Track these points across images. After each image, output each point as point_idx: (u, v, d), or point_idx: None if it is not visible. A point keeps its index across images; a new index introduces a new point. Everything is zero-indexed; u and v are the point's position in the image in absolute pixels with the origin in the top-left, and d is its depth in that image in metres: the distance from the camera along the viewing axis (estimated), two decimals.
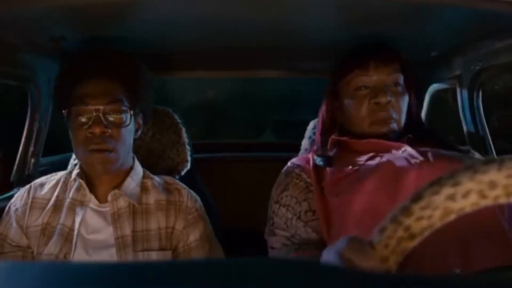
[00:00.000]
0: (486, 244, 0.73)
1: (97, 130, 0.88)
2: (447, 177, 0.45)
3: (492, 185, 0.43)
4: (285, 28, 0.99)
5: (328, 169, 0.94)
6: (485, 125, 1.29)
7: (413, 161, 0.84)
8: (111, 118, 0.91)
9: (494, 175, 0.43)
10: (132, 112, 0.94)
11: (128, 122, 0.93)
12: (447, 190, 0.44)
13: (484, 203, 0.44)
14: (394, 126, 0.97)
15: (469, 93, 1.26)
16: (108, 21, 0.93)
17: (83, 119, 0.89)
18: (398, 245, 0.45)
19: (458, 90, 1.31)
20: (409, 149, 0.88)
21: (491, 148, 1.27)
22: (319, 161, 0.97)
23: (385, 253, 0.45)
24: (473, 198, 0.44)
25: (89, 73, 0.92)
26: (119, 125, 0.91)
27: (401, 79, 1.00)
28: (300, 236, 0.89)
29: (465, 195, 0.44)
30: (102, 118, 0.89)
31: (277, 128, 3.81)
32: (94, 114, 0.89)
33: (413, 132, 1.01)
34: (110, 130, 0.89)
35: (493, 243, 0.74)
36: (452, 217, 0.44)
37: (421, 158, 0.84)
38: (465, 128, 1.33)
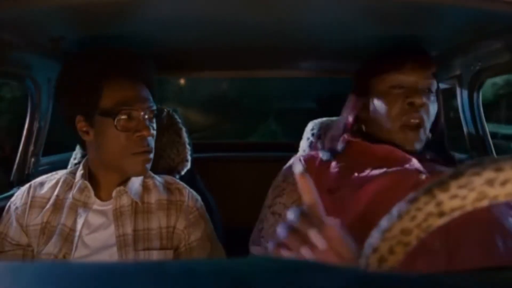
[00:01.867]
0: (474, 247, 0.72)
1: (148, 133, 0.90)
2: (490, 161, 0.43)
3: None
4: (286, 28, 0.99)
5: (332, 166, 0.93)
6: (485, 125, 1.29)
7: (418, 176, 0.84)
8: (151, 121, 0.94)
9: None
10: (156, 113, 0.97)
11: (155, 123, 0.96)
12: (488, 174, 0.42)
13: None
14: (421, 132, 0.95)
15: (469, 93, 1.26)
16: (108, 21, 0.93)
17: (132, 123, 0.90)
18: (426, 220, 0.43)
19: (458, 90, 1.31)
20: (416, 164, 0.87)
21: (491, 148, 1.27)
22: (324, 155, 0.96)
23: (409, 225, 0.43)
24: (510, 187, 0.42)
25: (134, 75, 0.93)
26: (154, 126, 0.95)
27: (434, 85, 0.98)
28: None
29: (504, 183, 0.42)
30: (146, 122, 0.91)
31: (279, 115, 4.52)
32: (146, 117, 0.91)
33: (433, 151, 0.99)
34: (152, 132, 0.93)
35: (481, 246, 0.73)
36: (485, 202, 0.43)
37: (426, 174, 0.84)
38: (465, 128, 1.33)
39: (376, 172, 0.87)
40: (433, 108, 0.97)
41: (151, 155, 0.93)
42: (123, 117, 0.89)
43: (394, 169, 0.87)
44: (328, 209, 0.85)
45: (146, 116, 0.91)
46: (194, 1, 0.81)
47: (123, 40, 1.02)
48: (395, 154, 0.92)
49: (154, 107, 0.95)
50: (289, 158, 1.06)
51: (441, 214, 0.43)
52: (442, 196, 0.43)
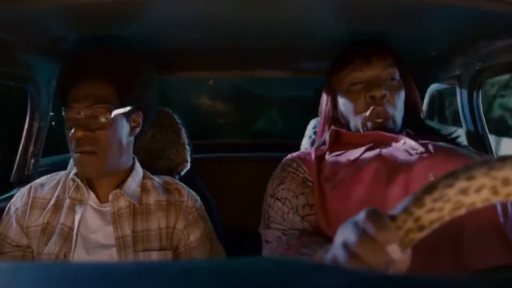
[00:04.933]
0: (481, 244, 0.72)
1: (79, 133, 0.87)
2: (462, 171, 0.44)
3: (506, 182, 0.43)
4: (286, 28, 0.99)
5: (326, 158, 0.93)
6: (485, 124, 1.29)
7: (413, 152, 0.84)
8: (94, 120, 0.89)
9: (509, 172, 0.42)
10: (121, 111, 0.91)
11: (112, 123, 0.90)
12: (461, 184, 0.43)
13: (495, 199, 0.43)
14: (390, 123, 0.95)
15: (469, 93, 1.26)
16: (108, 21, 0.93)
17: (70, 123, 0.90)
18: (406, 236, 0.45)
19: (457, 90, 1.31)
20: (408, 141, 0.88)
21: (490, 148, 1.27)
22: (317, 150, 0.97)
23: None
24: (485, 193, 0.43)
25: (80, 74, 0.91)
26: (102, 126, 0.89)
27: (396, 73, 0.98)
28: (297, 230, 0.87)
29: (478, 190, 0.43)
30: (84, 121, 0.89)
31: (281, 103, 5.54)
32: (78, 117, 0.89)
33: (411, 128, 0.99)
34: (94, 133, 0.89)
35: (489, 244, 0.72)
36: (463, 211, 0.44)
37: (421, 149, 0.84)
38: (464, 128, 1.33)
39: (369, 154, 0.88)
40: (398, 95, 0.98)
41: (91, 156, 0.89)
42: (57, 116, 0.90)
43: (386, 149, 0.88)
44: (333, 203, 0.85)
45: (82, 117, 0.88)
46: (194, 2, 0.81)
47: (123, 41, 1.02)
48: (380, 136, 0.92)
49: (106, 106, 0.89)
50: None
51: (421, 228, 0.45)
52: (419, 212, 0.44)
